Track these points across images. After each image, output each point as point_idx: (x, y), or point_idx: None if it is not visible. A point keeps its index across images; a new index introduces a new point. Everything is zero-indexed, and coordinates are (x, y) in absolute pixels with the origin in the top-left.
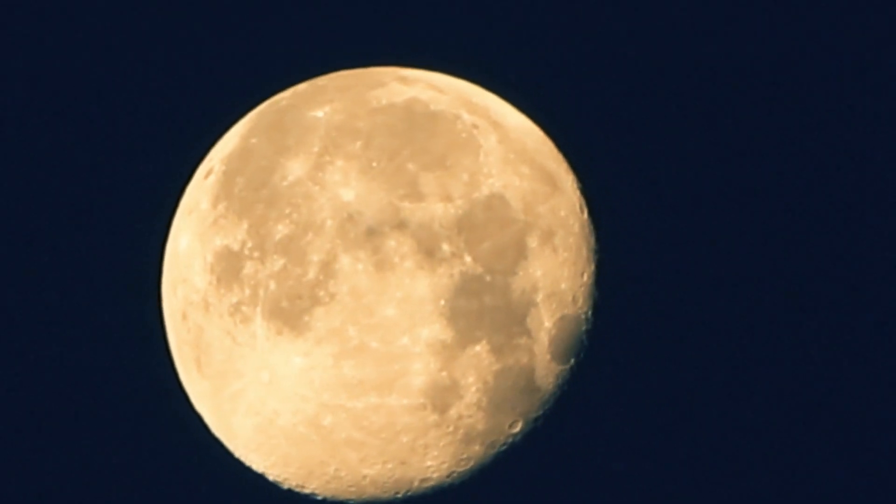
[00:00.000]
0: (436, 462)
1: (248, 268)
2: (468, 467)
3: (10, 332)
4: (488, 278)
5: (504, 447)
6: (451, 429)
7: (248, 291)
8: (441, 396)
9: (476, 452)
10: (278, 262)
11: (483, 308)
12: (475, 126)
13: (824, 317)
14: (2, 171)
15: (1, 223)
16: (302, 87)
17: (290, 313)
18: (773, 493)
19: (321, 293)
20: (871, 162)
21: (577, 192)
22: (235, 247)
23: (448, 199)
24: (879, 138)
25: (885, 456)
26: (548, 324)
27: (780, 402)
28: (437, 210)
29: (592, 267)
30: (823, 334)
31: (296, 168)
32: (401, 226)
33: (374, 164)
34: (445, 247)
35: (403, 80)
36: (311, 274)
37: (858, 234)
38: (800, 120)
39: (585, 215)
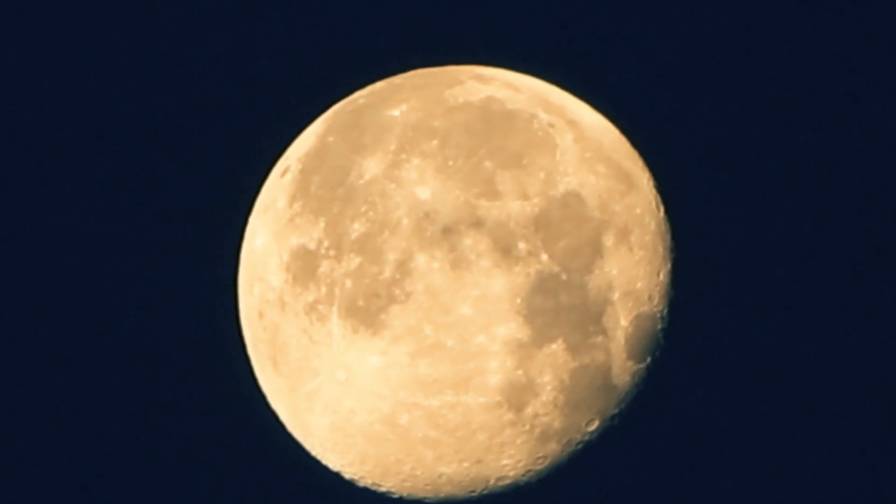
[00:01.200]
0: (512, 460)
1: (325, 266)
2: (544, 466)
3: (88, 331)
4: (564, 277)
5: (580, 446)
6: (527, 427)
7: (324, 290)
8: (517, 395)
9: (552, 451)
10: (354, 261)
11: (559, 306)
12: (551, 124)
13: None
14: (82, 171)
15: (79, 222)
16: (378, 85)
17: (367, 312)
18: (862, 496)
19: (397, 292)
20: None
21: (653, 190)
22: (312, 245)
23: (524, 197)
24: None
25: None
26: (624, 322)
27: (867, 404)
28: (513, 208)
29: (669, 265)
30: None
31: (372, 166)
32: (477, 224)
33: (451, 163)
34: (522, 245)
35: (480, 78)
36: (388, 272)
37: None
38: (885, 119)
39: (661, 213)
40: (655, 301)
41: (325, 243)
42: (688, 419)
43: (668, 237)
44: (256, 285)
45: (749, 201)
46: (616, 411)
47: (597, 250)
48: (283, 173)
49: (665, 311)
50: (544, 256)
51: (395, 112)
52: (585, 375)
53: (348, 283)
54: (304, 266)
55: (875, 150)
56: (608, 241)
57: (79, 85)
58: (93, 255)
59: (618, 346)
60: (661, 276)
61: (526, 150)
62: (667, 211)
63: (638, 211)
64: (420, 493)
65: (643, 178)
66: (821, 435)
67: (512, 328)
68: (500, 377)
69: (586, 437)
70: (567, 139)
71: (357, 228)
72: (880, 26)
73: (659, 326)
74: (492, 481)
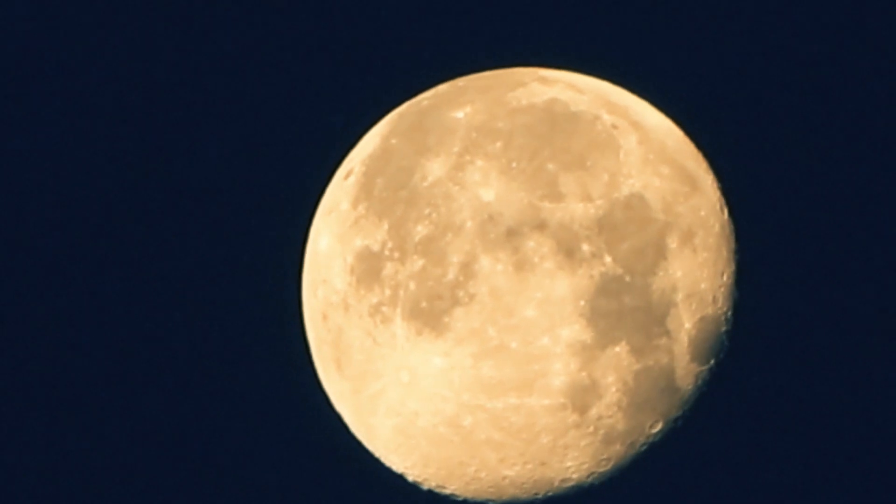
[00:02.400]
0: (576, 462)
1: (388, 268)
2: (608, 468)
3: (154, 334)
4: (628, 279)
5: (644, 447)
6: (591, 429)
7: (388, 292)
8: (581, 397)
9: (616, 453)
10: (418, 263)
11: (623, 308)
12: (615, 126)
13: None
14: (148, 173)
15: (144, 223)
16: (442, 87)
17: (430, 314)
18: None
19: (461, 294)
20: None
21: (717, 192)
22: (375, 247)
23: (588, 199)
24: None
25: None
26: (688, 324)
27: None
28: (576, 210)
29: (733, 267)
30: None
31: (436, 168)
32: (541, 226)
33: (514, 165)
34: (585, 247)
35: (543, 80)
36: (451, 274)
37: None
38: None
39: (725, 215)
40: (719, 303)
41: (389, 245)
42: (751, 421)
43: (733, 239)
44: (320, 287)
45: (813, 203)
46: (679, 413)
47: (660, 252)
48: (347, 175)
49: (729, 313)
50: (608, 258)
51: (459, 114)
52: (649, 377)
53: (412, 285)
54: (368, 268)
55: None
56: (672, 242)
57: (141, 92)
58: (158, 257)
59: (681, 348)
60: (725, 278)
61: (589, 152)
62: (731, 212)
63: (702, 213)
64: (484, 496)
65: (707, 180)
66: (888, 439)
67: (575, 330)
68: (564, 379)
69: (650, 440)
70: (631, 141)
71: (421, 231)
72: None
73: (723, 328)
74: (556, 483)
